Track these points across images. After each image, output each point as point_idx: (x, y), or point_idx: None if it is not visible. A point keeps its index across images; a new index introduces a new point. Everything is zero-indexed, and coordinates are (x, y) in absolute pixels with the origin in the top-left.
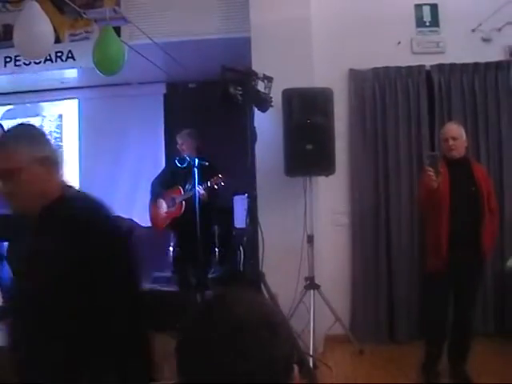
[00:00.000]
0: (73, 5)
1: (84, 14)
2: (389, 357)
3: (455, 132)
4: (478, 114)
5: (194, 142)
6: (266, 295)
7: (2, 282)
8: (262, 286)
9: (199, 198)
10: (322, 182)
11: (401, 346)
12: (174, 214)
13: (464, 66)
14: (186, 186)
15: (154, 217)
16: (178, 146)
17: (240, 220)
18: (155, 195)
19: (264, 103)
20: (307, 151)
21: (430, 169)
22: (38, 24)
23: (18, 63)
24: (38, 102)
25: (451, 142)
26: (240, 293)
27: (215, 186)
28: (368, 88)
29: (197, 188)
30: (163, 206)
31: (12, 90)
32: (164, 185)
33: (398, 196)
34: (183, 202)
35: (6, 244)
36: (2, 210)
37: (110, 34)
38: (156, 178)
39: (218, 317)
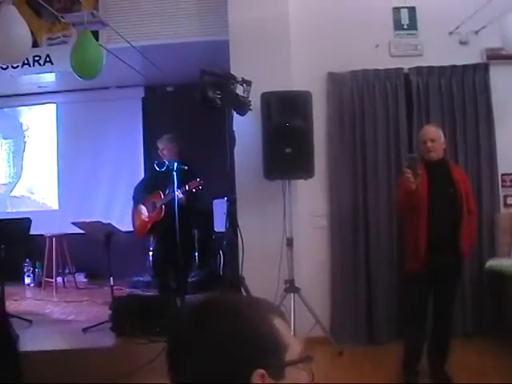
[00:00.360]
0: (50, 9)
1: (62, 17)
2: (368, 357)
3: (433, 134)
4: (456, 116)
5: (175, 146)
6: None
7: None
8: (242, 290)
9: (178, 202)
10: (300, 185)
11: (380, 347)
12: (154, 218)
13: (442, 68)
14: (166, 191)
15: (135, 223)
16: (158, 151)
17: (220, 224)
18: (136, 201)
19: (243, 107)
20: (286, 154)
21: (408, 171)
22: (14, 28)
23: None
24: (16, 106)
25: (429, 144)
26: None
27: (193, 190)
28: (346, 91)
29: (176, 192)
30: (143, 211)
31: None
32: (145, 190)
33: (377, 198)
34: (163, 206)
35: None
36: None
37: (88, 38)
38: (138, 184)
39: (210, 320)
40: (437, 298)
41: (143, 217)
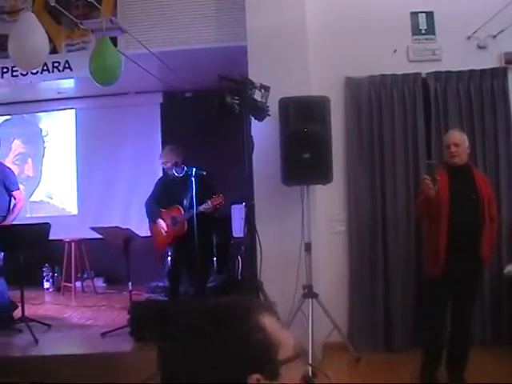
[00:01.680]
0: (70, 15)
1: (81, 24)
2: (385, 365)
3: (457, 139)
4: (474, 120)
5: (176, 156)
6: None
7: None
8: (260, 295)
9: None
10: (319, 190)
11: (397, 355)
12: (177, 232)
13: (460, 73)
14: (184, 202)
15: (157, 239)
16: (161, 163)
17: (238, 229)
18: (153, 215)
19: (261, 112)
20: (304, 160)
21: (427, 177)
22: (32, 35)
23: (15, 73)
24: (35, 112)
25: (453, 149)
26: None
27: (217, 206)
28: (364, 96)
29: (200, 208)
30: (163, 226)
31: (9, 101)
32: (160, 203)
33: (395, 203)
34: (185, 221)
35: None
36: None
37: (107, 44)
38: (149, 199)
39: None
40: (456, 304)
41: (163, 232)
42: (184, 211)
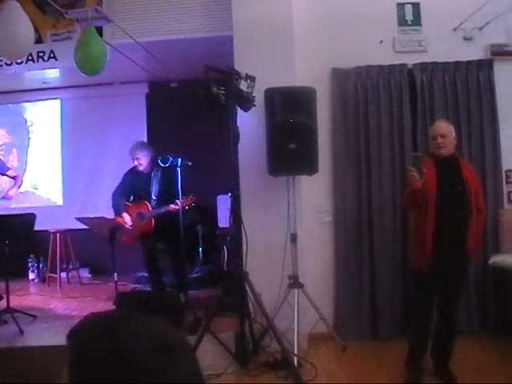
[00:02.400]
0: (55, 5)
1: (66, 13)
2: (372, 354)
3: (444, 130)
4: (460, 112)
5: (150, 153)
6: (250, 294)
7: None
8: (246, 285)
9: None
10: (305, 180)
11: (383, 343)
12: (144, 228)
13: (446, 64)
14: (152, 197)
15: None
16: (135, 162)
17: (224, 219)
18: (118, 209)
19: (247, 103)
20: (290, 150)
21: (413, 169)
22: (17, 24)
23: None
24: (20, 102)
25: (440, 140)
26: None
27: (186, 207)
28: (351, 87)
29: (169, 207)
30: (127, 220)
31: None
32: (126, 194)
33: (381, 194)
34: (152, 219)
35: None
36: None
37: (92, 34)
38: (116, 189)
39: (119, 343)
40: (442, 295)
41: (128, 226)
42: (152, 208)
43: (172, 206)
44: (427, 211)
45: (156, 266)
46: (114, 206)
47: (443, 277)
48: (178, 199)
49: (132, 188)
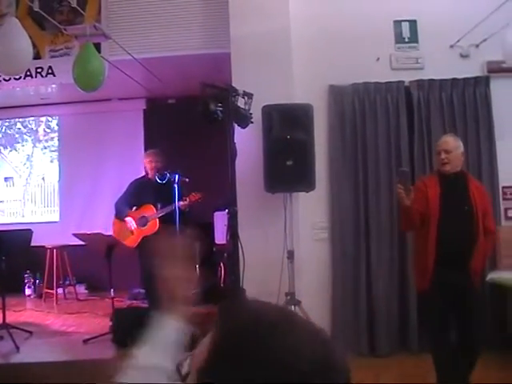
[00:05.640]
0: (53, 21)
1: (64, 29)
2: (369, 370)
3: (449, 145)
4: (457, 129)
5: (162, 161)
6: None
7: None
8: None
9: (180, 213)
10: (302, 197)
11: (381, 360)
12: (146, 232)
13: (443, 81)
14: (158, 204)
15: (120, 236)
16: (147, 165)
17: (220, 236)
18: (119, 216)
19: (244, 119)
20: (287, 167)
21: (400, 186)
22: (16, 40)
23: None
24: (18, 117)
25: (443, 155)
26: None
27: (194, 203)
28: (348, 103)
29: (177, 203)
30: (131, 223)
31: None
32: (130, 204)
33: (378, 211)
34: (157, 220)
35: None
36: None
37: (90, 50)
38: (120, 198)
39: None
40: (457, 318)
41: (132, 229)
42: (156, 210)
43: (181, 202)
44: (428, 232)
45: (154, 282)
46: (116, 213)
47: (450, 299)
48: (186, 198)
49: (137, 197)
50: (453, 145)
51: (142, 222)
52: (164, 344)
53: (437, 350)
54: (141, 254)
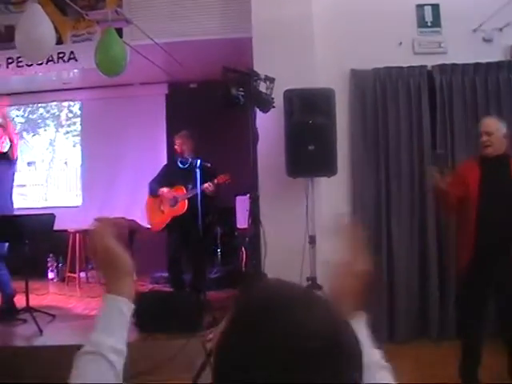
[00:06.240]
0: (75, 6)
1: (86, 15)
2: (387, 356)
3: (490, 126)
4: (479, 114)
5: (193, 142)
6: None
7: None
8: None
9: (203, 197)
10: (323, 182)
11: (400, 346)
12: (176, 212)
13: (465, 66)
14: (189, 187)
15: (151, 216)
16: (176, 147)
17: (242, 221)
18: (153, 193)
19: (266, 104)
20: (309, 152)
21: (434, 169)
22: (39, 26)
23: (20, 64)
24: (40, 102)
25: (485, 138)
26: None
27: (221, 184)
28: (369, 88)
29: (204, 185)
30: (166, 192)
31: (14, 91)
32: (163, 185)
33: (399, 196)
34: (186, 201)
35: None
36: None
37: (113, 35)
38: (154, 179)
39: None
40: (496, 302)
41: (165, 210)
42: (187, 191)
43: (207, 184)
44: (468, 216)
45: (179, 265)
46: (150, 191)
47: (490, 285)
48: (215, 177)
49: (168, 178)
50: (494, 126)
51: (172, 202)
52: (113, 323)
53: (470, 336)
54: (169, 234)
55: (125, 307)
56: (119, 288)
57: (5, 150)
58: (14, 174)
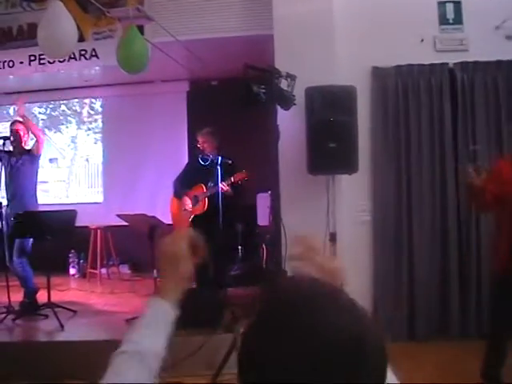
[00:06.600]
0: (96, 3)
1: (107, 12)
2: (408, 355)
3: None
4: (502, 112)
5: (215, 140)
6: None
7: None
8: None
9: (223, 195)
10: (344, 179)
11: (420, 344)
12: (196, 211)
13: (487, 63)
14: (209, 184)
15: (176, 216)
16: (198, 144)
17: (263, 218)
18: (178, 195)
19: (287, 101)
20: (330, 149)
21: (470, 165)
22: (61, 23)
23: (42, 61)
24: (62, 99)
25: None
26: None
27: (239, 182)
28: (391, 86)
29: (220, 184)
30: (188, 203)
31: (36, 88)
32: (185, 183)
33: (420, 195)
34: (206, 199)
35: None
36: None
37: (135, 33)
38: (177, 177)
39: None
40: None
41: (187, 208)
42: (206, 189)
43: (225, 182)
44: (503, 215)
45: (204, 262)
46: (174, 191)
47: None
48: (232, 176)
49: (191, 176)
50: None
51: (194, 201)
52: (156, 326)
53: (498, 336)
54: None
55: (171, 313)
56: (172, 294)
57: (29, 147)
58: (37, 170)
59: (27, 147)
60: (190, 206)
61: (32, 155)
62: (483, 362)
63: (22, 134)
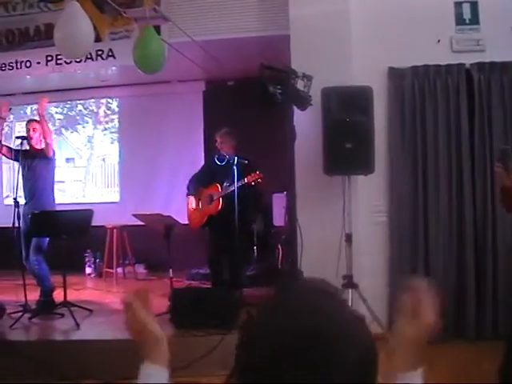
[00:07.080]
0: (113, 4)
1: (124, 12)
2: (424, 357)
3: None
4: None
5: (233, 140)
6: None
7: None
8: None
9: (238, 195)
10: (360, 180)
11: (435, 346)
12: (211, 210)
13: (504, 64)
14: (224, 184)
15: (189, 216)
16: (216, 144)
17: (279, 218)
18: (191, 193)
19: (303, 102)
20: (346, 150)
21: (499, 164)
22: (78, 24)
23: (59, 62)
24: (78, 99)
25: None
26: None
27: (252, 183)
28: (407, 86)
29: (236, 184)
30: (192, 202)
31: (53, 88)
32: (201, 183)
33: (437, 196)
34: (221, 199)
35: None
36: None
37: (151, 33)
38: (193, 176)
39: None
40: None
41: (191, 208)
42: (222, 189)
43: (239, 183)
44: None
45: (218, 261)
46: (188, 190)
47: None
48: (248, 175)
49: (208, 176)
50: None
51: (208, 200)
52: None
53: None
54: (210, 232)
55: (159, 374)
56: (154, 356)
57: (42, 146)
58: (53, 170)
59: (41, 146)
60: (193, 206)
61: (45, 155)
62: (501, 364)
63: (37, 134)
